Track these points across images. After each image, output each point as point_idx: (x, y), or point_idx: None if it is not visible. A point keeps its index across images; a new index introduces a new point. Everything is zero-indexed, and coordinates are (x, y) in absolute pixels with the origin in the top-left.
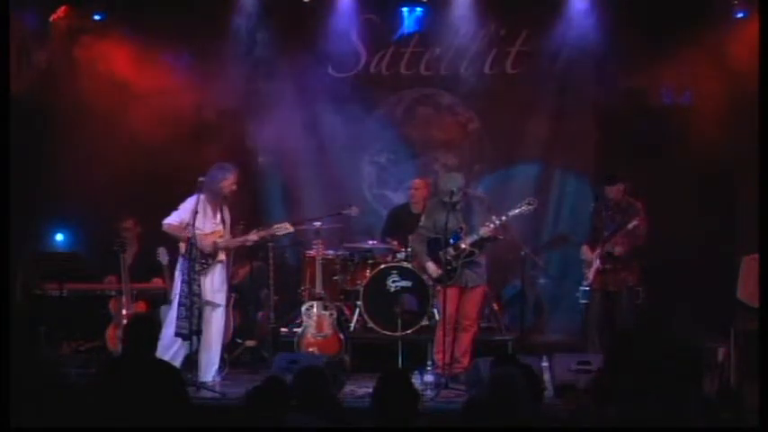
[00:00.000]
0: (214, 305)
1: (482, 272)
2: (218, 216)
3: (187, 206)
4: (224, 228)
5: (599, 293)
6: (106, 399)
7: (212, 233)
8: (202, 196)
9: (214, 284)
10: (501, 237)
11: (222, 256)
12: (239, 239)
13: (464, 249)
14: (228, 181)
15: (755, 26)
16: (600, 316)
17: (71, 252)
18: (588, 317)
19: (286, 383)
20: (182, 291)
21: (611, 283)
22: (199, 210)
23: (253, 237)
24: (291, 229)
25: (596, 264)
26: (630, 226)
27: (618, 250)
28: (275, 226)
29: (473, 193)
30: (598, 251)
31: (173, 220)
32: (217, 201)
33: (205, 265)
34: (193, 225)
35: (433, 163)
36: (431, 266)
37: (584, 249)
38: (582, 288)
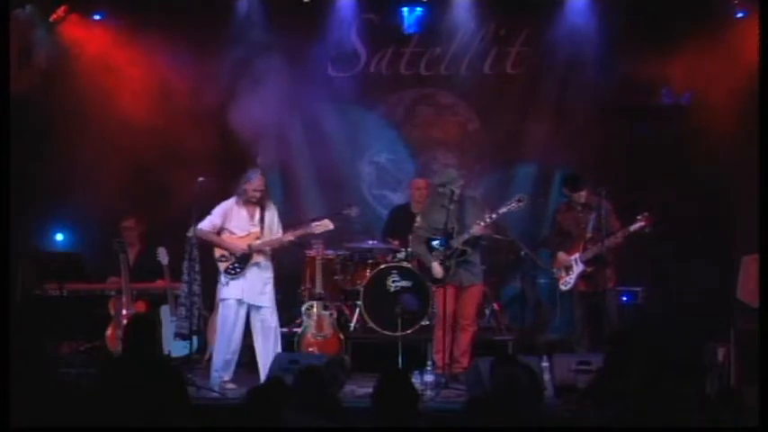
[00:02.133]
0: (256, 307)
1: (477, 271)
2: (256, 218)
3: (218, 210)
4: (262, 230)
5: (585, 296)
6: (106, 399)
7: (247, 235)
8: (234, 199)
9: (254, 286)
10: (498, 236)
11: (259, 258)
12: (274, 240)
13: (456, 249)
14: (251, 185)
15: (756, 26)
16: (589, 318)
17: (71, 252)
18: (575, 320)
19: (286, 383)
20: (182, 291)
21: (598, 285)
22: (229, 213)
23: (289, 237)
24: (331, 227)
25: (579, 268)
26: (633, 228)
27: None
28: (314, 224)
29: (466, 193)
30: (577, 255)
31: (204, 225)
32: (251, 203)
33: (238, 269)
34: (195, 225)
35: (432, 163)
36: (436, 267)
37: (561, 256)
38: (562, 291)
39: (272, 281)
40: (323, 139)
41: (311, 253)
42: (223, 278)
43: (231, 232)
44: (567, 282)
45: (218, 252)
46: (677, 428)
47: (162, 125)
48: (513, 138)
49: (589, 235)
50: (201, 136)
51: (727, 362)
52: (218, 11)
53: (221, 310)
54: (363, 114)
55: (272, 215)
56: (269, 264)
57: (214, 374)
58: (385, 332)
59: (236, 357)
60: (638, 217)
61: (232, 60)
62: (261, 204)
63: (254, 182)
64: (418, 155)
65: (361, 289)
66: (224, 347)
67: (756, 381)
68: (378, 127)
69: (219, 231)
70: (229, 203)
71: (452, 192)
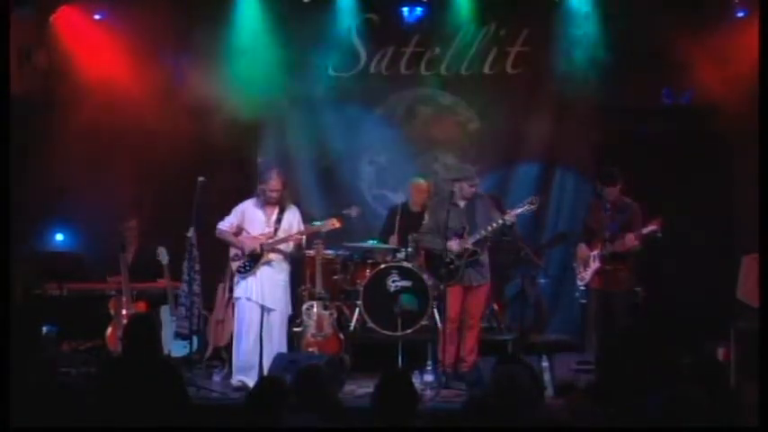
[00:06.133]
0: (267, 309)
1: (485, 271)
2: (273, 218)
3: (236, 209)
4: (276, 231)
5: (598, 293)
6: (106, 399)
7: (261, 235)
8: (253, 199)
9: (266, 287)
10: (506, 238)
11: (271, 259)
12: (280, 239)
13: (467, 249)
14: (267, 185)
15: (756, 26)
16: (599, 316)
17: (71, 252)
18: (587, 317)
19: (283, 383)
20: (182, 290)
21: (611, 284)
22: (246, 212)
23: (295, 235)
24: (338, 225)
25: (595, 264)
26: (646, 231)
27: (628, 244)
28: (319, 223)
29: (477, 192)
30: (596, 252)
31: (222, 224)
32: (270, 204)
33: (248, 267)
34: (195, 225)
35: (432, 163)
36: (453, 243)
37: (581, 247)
38: (580, 287)
39: (285, 284)
40: (323, 139)
41: (311, 253)
42: (236, 278)
43: (248, 232)
44: (584, 277)
45: (231, 251)
46: (677, 428)
47: (163, 124)
48: (514, 138)
49: (608, 233)
50: (202, 134)
51: (727, 362)
52: (219, 11)
53: (236, 309)
54: (363, 114)
55: (291, 216)
56: (283, 266)
57: (235, 377)
58: (385, 332)
59: (255, 358)
60: (651, 221)
61: (232, 61)
62: (280, 205)
63: (270, 182)
64: (418, 155)
65: (361, 289)
66: (240, 348)
67: (756, 381)
68: (378, 127)
69: (238, 231)
70: (247, 203)
71: (452, 193)
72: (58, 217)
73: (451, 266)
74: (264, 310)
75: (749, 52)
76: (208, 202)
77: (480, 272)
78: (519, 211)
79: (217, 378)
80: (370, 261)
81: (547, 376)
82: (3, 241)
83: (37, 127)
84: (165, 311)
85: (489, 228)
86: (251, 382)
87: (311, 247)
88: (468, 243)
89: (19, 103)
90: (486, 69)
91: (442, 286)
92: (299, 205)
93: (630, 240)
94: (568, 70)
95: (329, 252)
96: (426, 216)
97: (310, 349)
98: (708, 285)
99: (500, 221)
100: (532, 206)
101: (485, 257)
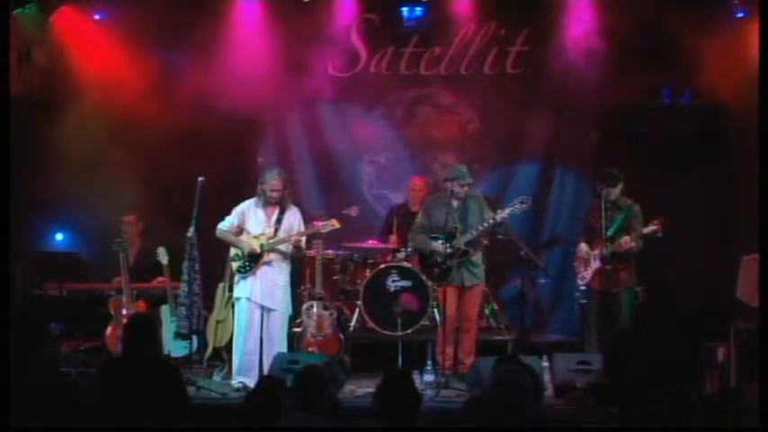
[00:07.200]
0: (267, 309)
1: (479, 271)
2: (273, 219)
3: (237, 209)
4: (277, 231)
5: (598, 294)
6: (106, 399)
7: (261, 236)
8: (254, 199)
9: (266, 287)
10: (500, 236)
11: (271, 259)
12: (280, 239)
13: (458, 249)
14: (267, 186)
15: (756, 26)
16: (599, 316)
17: (71, 252)
18: (587, 317)
19: (285, 383)
20: (182, 290)
21: (611, 284)
22: (247, 213)
23: (295, 236)
24: (338, 226)
25: (596, 264)
26: (646, 231)
27: (625, 246)
28: (320, 224)
29: (471, 192)
30: (597, 252)
31: (223, 224)
32: (270, 204)
33: (248, 267)
34: (195, 226)
35: (432, 163)
36: (438, 246)
37: (582, 247)
38: (580, 287)
39: (285, 284)
40: (323, 139)
41: (311, 253)
42: (236, 278)
43: (248, 232)
44: (584, 277)
45: (232, 251)
46: (677, 428)
47: (163, 123)
48: (513, 138)
49: (609, 233)
50: (203, 134)
51: (727, 362)
52: (219, 12)
53: (236, 309)
54: (363, 114)
55: (291, 217)
56: (283, 266)
57: (235, 378)
58: (385, 332)
59: (255, 358)
60: (653, 221)
61: (232, 61)
62: (281, 205)
63: (271, 182)
64: (418, 155)
65: (361, 289)
66: (240, 348)
67: (756, 381)
68: (378, 127)
69: (239, 231)
70: (248, 203)
71: (452, 191)
72: (57, 217)
73: (443, 266)
74: (264, 310)
75: (749, 52)
76: (208, 202)
77: (473, 272)
78: (509, 210)
79: (217, 378)
80: (370, 261)
81: (547, 376)
82: (3, 241)
83: (37, 127)
84: (165, 311)
85: (480, 227)
86: (251, 383)
87: (311, 247)
88: (460, 243)
89: (19, 103)
90: (486, 69)
91: (435, 286)
92: (299, 205)
93: (627, 243)
94: (568, 70)
95: (329, 252)
96: (420, 215)
97: (310, 349)
98: (708, 285)
99: (491, 221)
100: (524, 205)
101: (478, 258)
